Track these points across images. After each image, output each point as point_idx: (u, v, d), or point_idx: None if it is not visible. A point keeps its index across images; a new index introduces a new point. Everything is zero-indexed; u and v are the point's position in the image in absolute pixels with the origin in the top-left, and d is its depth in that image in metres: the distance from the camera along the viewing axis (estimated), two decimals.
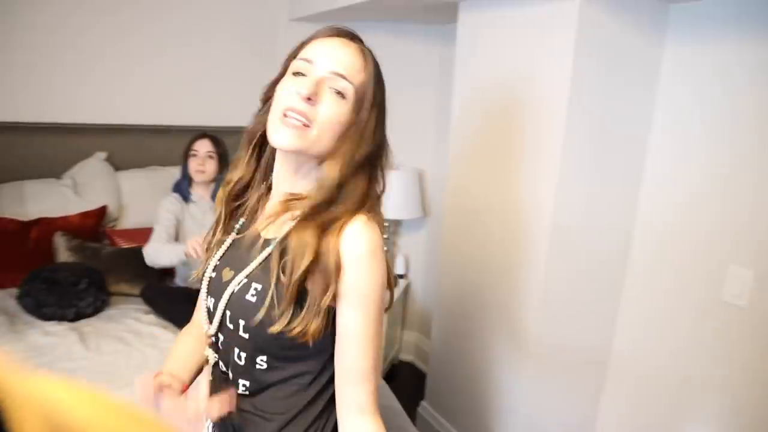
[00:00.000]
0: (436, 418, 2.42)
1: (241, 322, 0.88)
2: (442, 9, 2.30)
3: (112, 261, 2.32)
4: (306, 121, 0.83)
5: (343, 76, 0.84)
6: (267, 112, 0.88)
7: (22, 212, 2.39)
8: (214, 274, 0.95)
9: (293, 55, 0.89)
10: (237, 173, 0.96)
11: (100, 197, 2.59)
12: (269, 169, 0.96)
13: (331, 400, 0.92)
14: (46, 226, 2.35)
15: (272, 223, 0.89)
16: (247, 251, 0.91)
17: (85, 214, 2.47)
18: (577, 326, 1.96)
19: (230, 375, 0.94)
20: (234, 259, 0.93)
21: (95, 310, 2.09)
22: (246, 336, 0.88)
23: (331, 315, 0.86)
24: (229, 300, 0.90)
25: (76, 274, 2.11)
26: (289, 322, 0.83)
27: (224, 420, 0.93)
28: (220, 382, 0.96)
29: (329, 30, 0.89)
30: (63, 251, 2.29)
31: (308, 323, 0.82)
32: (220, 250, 0.96)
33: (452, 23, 2.27)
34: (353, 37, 0.90)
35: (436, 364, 2.46)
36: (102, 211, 2.54)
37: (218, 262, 0.95)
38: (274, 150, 0.93)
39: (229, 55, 3.09)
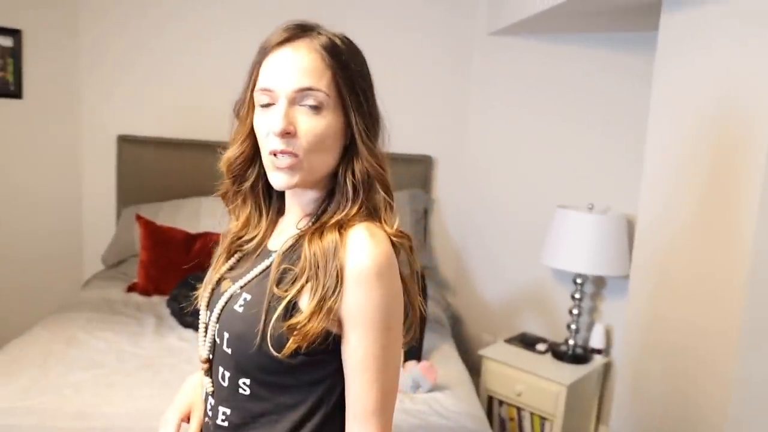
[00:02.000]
0: None
1: (226, 335, 0.97)
2: (644, 11, 2.28)
3: None
4: (292, 153, 0.91)
5: (308, 88, 0.90)
6: (242, 136, 1.00)
7: (196, 225, 3.00)
8: (215, 288, 1.06)
9: (254, 76, 0.96)
10: (235, 223, 1.08)
11: None
12: (267, 197, 1.08)
13: None
14: (209, 239, 2.85)
15: (278, 235, 1.03)
16: (251, 264, 1.02)
17: None
18: None
19: (212, 402, 1.02)
20: (238, 272, 1.04)
21: None
22: (228, 351, 0.96)
23: (330, 340, 0.92)
24: (220, 312, 0.99)
25: None
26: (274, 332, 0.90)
27: None
28: (207, 420, 1.06)
29: (275, 39, 0.94)
30: None
31: (305, 322, 0.88)
32: (228, 263, 1.07)
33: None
34: (302, 32, 0.95)
35: None
36: None
37: (223, 276, 1.06)
38: (259, 181, 1.05)
39: (420, 76, 3.39)
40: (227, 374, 0.98)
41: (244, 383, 0.96)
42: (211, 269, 1.09)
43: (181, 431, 1.11)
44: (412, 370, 2.11)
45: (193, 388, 1.15)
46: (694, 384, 1.84)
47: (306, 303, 0.90)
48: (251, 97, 0.97)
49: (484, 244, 3.42)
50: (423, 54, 3.37)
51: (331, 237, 0.91)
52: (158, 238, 2.85)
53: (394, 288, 0.91)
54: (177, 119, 3.24)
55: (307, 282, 0.91)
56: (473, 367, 3.02)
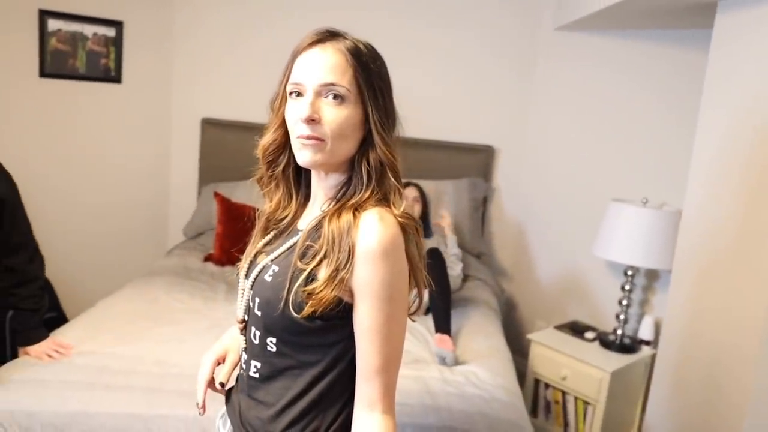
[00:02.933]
0: None
1: (257, 300, 1.11)
2: (701, 9, 2.29)
3: None
4: (317, 138, 1.03)
5: (332, 84, 1.02)
6: (275, 126, 1.12)
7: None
8: (253, 260, 1.19)
9: (287, 72, 1.08)
10: (269, 204, 1.20)
11: None
12: (298, 183, 1.19)
13: (336, 403, 1.09)
14: None
15: (307, 216, 1.15)
16: (282, 241, 1.15)
17: None
18: None
19: (246, 356, 1.16)
20: (272, 247, 1.17)
21: None
22: (259, 314, 1.10)
23: (342, 308, 1.03)
24: (254, 281, 1.13)
25: None
26: (296, 296, 1.02)
27: (233, 406, 1.21)
28: (241, 372, 1.21)
29: (307, 40, 1.07)
30: None
31: (321, 289, 1.00)
32: (264, 239, 1.20)
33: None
34: (331, 36, 1.07)
35: None
36: None
37: (260, 250, 1.19)
38: (290, 166, 1.17)
39: (484, 69, 3.50)
40: (258, 333, 1.12)
41: (271, 341, 1.10)
42: (250, 244, 1.21)
43: (216, 371, 1.29)
44: (431, 345, 2.24)
45: (230, 338, 1.31)
46: (730, 377, 1.88)
47: (323, 274, 1.01)
48: (284, 90, 1.08)
49: (541, 233, 3.50)
50: (487, 48, 3.47)
51: (346, 218, 1.02)
52: (233, 214, 3.09)
53: (398, 266, 1.02)
54: (255, 105, 3.43)
55: (325, 256, 1.02)
56: (524, 351, 3.13)
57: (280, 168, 1.16)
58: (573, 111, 3.33)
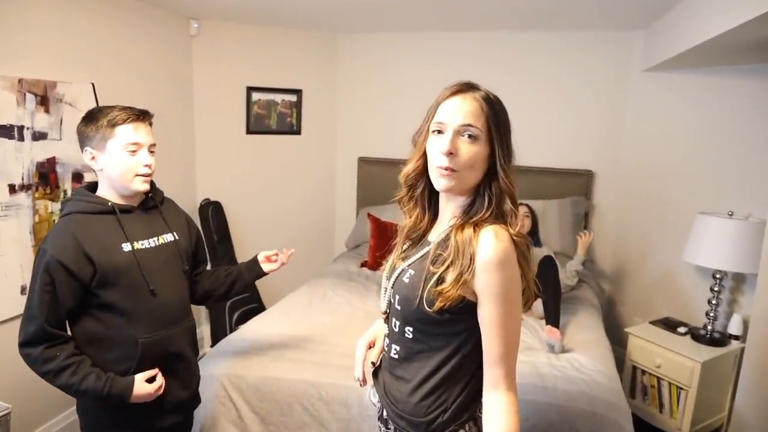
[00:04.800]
0: None
1: (397, 297, 1.15)
2: None
3: None
4: (452, 169, 1.07)
5: (469, 125, 1.06)
6: (416, 157, 1.16)
7: None
8: (394, 265, 1.24)
9: (431, 114, 1.12)
10: (408, 220, 1.23)
11: None
12: (430, 202, 1.21)
13: (460, 382, 1.13)
14: None
15: (437, 230, 1.19)
16: (416, 250, 1.20)
17: None
18: None
19: (388, 341, 1.21)
20: (408, 254, 1.22)
21: None
22: (399, 308, 1.15)
23: (465, 304, 1.06)
24: (394, 281, 1.18)
25: None
26: (429, 295, 1.07)
27: (379, 381, 1.29)
28: (384, 353, 1.28)
29: (450, 90, 1.11)
30: None
31: (449, 289, 1.05)
32: (401, 249, 1.25)
33: None
34: (468, 88, 1.11)
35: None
36: None
37: (399, 257, 1.23)
38: (425, 190, 1.20)
39: (584, 107, 3.53)
40: (397, 323, 1.17)
41: (408, 330, 1.15)
42: (392, 252, 1.28)
43: (367, 353, 1.37)
44: (541, 335, 2.29)
45: (379, 327, 1.38)
46: None
47: (450, 276, 1.05)
48: (428, 128, 1.12)
49: (636, 242, 3.44)
50: (586, 88, 3.49)
51: (468, 232, 1.06)
52: (382, 230, 3.33)
53: (511, 273, 1.03)
54: (397, 147, 3.70)
55: (452, 263, 1.06)
56: (623, 342, 3.11)
57: (419, 191, 1.20)
58: (660, 138, 3.27)
